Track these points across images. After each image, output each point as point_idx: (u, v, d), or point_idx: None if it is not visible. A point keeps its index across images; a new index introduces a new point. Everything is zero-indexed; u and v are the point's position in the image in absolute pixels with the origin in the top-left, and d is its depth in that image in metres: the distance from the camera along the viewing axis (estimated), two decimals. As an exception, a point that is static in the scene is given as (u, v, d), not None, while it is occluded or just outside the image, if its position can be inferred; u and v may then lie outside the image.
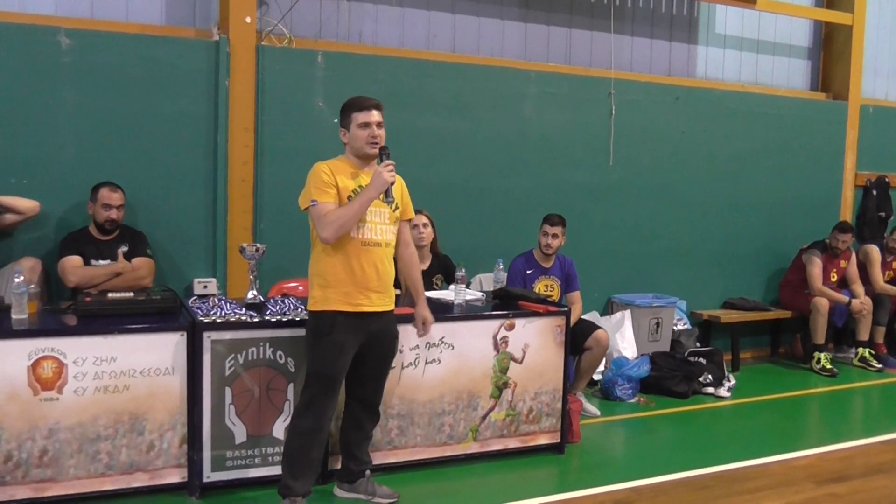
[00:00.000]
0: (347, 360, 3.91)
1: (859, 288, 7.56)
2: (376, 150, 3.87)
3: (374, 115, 3.87)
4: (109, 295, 4.34)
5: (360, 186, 3.86)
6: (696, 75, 7.70)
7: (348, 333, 3.85)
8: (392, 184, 3.84)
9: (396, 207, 3.99)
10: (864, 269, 7.77)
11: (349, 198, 3.81)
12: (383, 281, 3.94)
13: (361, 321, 3.87)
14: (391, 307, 4.03)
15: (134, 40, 5.35)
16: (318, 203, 3.77)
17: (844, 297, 7.41)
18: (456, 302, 4.94)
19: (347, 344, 3.87)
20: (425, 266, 5.61)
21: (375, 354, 4.03)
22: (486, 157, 6.52)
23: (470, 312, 4.79)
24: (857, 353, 7.57)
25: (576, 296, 5.84)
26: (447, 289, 5.35)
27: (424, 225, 5.55)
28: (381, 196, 3.83)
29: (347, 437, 4.18)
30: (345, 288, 3.83)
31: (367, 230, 3.86)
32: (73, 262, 4.84)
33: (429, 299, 5.06)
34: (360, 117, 3.86)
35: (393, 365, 4.31)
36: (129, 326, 3.99)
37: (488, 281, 6.01)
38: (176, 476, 4.09)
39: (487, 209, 6.53)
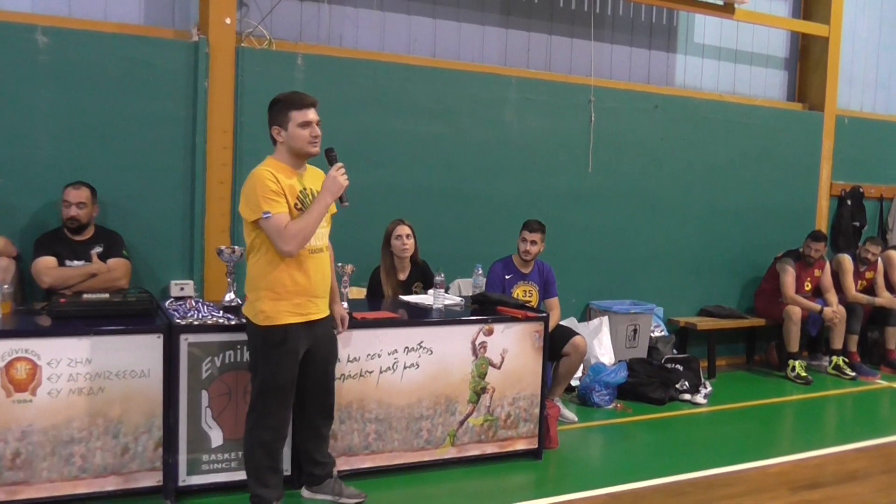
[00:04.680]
0: (298, 367, 3.89)
1: (832, 297, 7.63)
2: (318, 150, 3.80)
3: (313, 114, 3.76)
4: (84, 296, 4.30)
5: (304, 188, 3.79)
6: (674, 84, 7.76)
7: (298, 341, 3.83)
8: (347, 187, 3.79)
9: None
10: (837, 278, 7.85)
11: (294, 203, 3.73)
12: (326, 286, 3.97)
13: (309, 329, 3.86)
14: (328, 311, 4.03)
15: (112, 39, 5.30)
16: (271, 215, 3.62)
17: (816, 306, 7.48)
18: (435, 307, 4.93)
19: (299, 351, 3.85)
20: (405, 276, 5.58)
21: (319, 359, 3.99)
22: (466, 162, 6.52)
23: (448, 317, 4.78)
24: (831, 361, 7.63)
25: (554, 301, 5.85)
26: (426, 294, 5.34)
27: (408, 236, 5.51)
28: (336, 201, 3.82)
29: (307, 445, 4.14)
30: (296, 299, 3.78)
31: (312, 237, 3.79)
32: (47, 262, 4.78)
33: (408, 304, 5.08)
34: (298, 116, 3.73)
35: (371, 370, 4.30)
36: (105, 328, 3.95)
37: (467, 286, 6.01)
38: (151, 479, 4.03)
39: (467, 214, 6.53)
